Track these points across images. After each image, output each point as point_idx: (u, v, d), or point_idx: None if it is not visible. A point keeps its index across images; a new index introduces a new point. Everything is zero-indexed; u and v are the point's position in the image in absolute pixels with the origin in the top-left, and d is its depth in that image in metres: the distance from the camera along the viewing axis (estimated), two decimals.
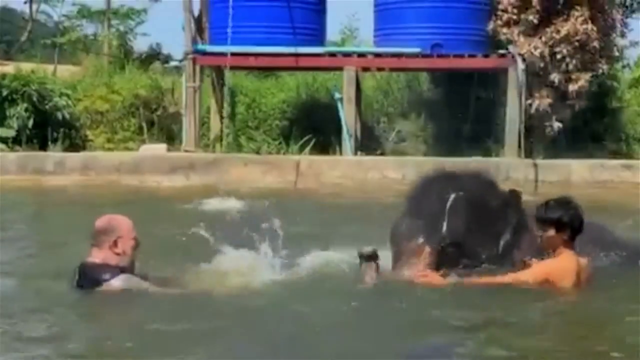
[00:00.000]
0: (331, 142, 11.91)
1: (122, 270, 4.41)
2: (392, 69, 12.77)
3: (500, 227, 4.97)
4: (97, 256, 4.45)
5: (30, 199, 9.27)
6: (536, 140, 11.77)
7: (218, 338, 3.85)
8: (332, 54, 12.12)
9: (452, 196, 4.98)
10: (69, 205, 8.82)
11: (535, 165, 10.56)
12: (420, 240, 4.86)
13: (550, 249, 4.79)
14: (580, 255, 4.81)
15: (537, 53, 11.21)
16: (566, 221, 4.71)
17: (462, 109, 12.76)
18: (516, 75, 11.32)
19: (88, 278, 4.40)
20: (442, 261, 4.83)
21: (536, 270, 4.74)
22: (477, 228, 4.88)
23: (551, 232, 4.73)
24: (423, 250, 4.83)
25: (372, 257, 4.77)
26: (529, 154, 11.39)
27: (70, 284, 4.46)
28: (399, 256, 4.93)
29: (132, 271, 4.48)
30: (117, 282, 4.36)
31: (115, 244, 4.42)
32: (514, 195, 5.14)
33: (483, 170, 5.43)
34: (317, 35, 12.25)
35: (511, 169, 10.49)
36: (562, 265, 4.74)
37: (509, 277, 4.72)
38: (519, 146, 11.25)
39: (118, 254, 4.42)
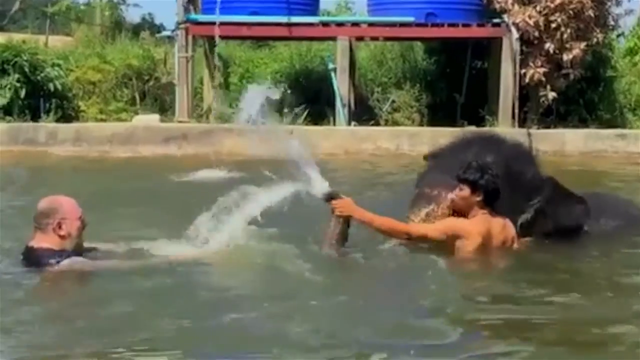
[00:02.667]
0: (325, 113, 11.85)
1: (68, 254, 4.25)
2: (386, 39, 12.70)
3: (525, 202, 5.03)
4: (41, 240, 4.29)
5: (22, 170, 9.21)
6: (530, 110, 11.73)
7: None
8: (326, 24, 12.03)
9: (489, 157, 5.05)
10: (59, 176, 8.77)
11: (529, 135, 10.54)
12: (443, 188, 4.96)
13: (464, 209, 4.90)
14: (498, 218, 4.90)
15: (531, 22, 11.14)
16: (481, 184, 4.81)
17: (456, 79, 12.71)
18: (510, 44, 11.26)
19: (32, 263, 4.26)
20: (459, 214, 4.93)
21: (440, 227, 4.84)
22: (504, 193, 4.92)
23: (466, 192, 4.85)
24: (442, 201, 4.95)
25: (334, 196, 4.78)
26: (522, 123, 11.36)
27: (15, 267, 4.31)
28: (417, 199, 5.03)
29: (80, 253, 4.33)
30: (64, 266, 4.21)
31: (59, 226, 4.26)
32: (552, 180, 5.18)
33: (527, 147, 5.50)
34: (311, 4, 12.15)
35: None
36: (468, 226, 4.84)
37: (414, 227, 4.85)
38: (513, 116, 11.22)
39: (63, 237, 4.26)
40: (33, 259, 4.26)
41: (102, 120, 12.15)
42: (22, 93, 11.57)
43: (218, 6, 11.20)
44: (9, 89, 11.50)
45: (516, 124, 11.16)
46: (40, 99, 11.74)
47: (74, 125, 11.30)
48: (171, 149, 10.46)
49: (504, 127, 11.08)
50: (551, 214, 5.05)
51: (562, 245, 5.03)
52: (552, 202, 5.06)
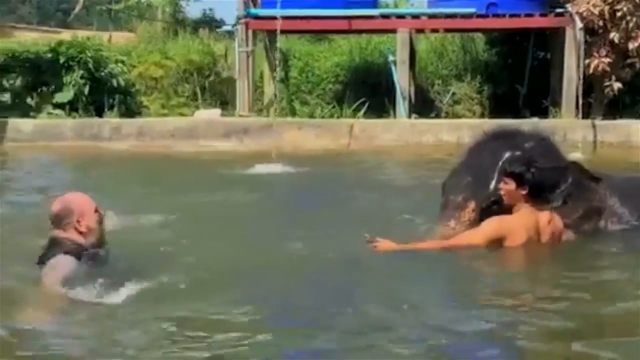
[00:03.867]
0: (385, 106, 11.81)
1: (87, 248, 4.20)
2: (447, 30, 12.60)
3: (551, 192, 4.95)
4: (63, 235, 4.25)
5: (88, 164, 9.39)
6: (595, 100, 11.52)
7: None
8: (386, 16, 11.98)
9: (506, 155, 4.96)
10: (125, 170, 8.92)
11: (594, 126, 10.36)
12: (466, 195, 4.95)
13: (510, 202, 4.83)
14: (544, 211, 4.83)
15: (596, 11, 10.92)
16: (527, 177, 4.76)
17: (518, 70, 12.54)
18: (574, 34, 11.06)
19: (53, 249, 4.21)
20: (485, 218, 4.87)
21: (484, 233, 4.78)
22: None
23: (511, 185, 4.78)
24: (467, 206, 4.94)
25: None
26: (587, 114, 11.16)
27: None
28: (443, 208, 5.04)
29: (101, 245, 4.31)
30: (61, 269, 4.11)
31: (78, 223, 4.23)
32: (574, 164, 5.13)
33: (545, 132, 5.36)
34: None
35: (569, 130, 10.30)
36: (513, 222, 4.79)
37: (459, 239, 4.79)
38: (577, 107, 11.02)
39: (83, 233, 4.24)
40: (56, 245, 4.22)
41: (164, 115, 12.29)
42: (87, 89, 11.77)
43: (281, 1, 11.22)
44: (74, 85, 11.71)
45: (580, 115, 10.96)
46: (104, 95, 11.93)
47: (137, 120, 11.45)
48: (232, 143, 10.52)
49: (568, 118, 10.92)
50: (578, 198, 4.99)
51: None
52: (578, 187, 5.00)
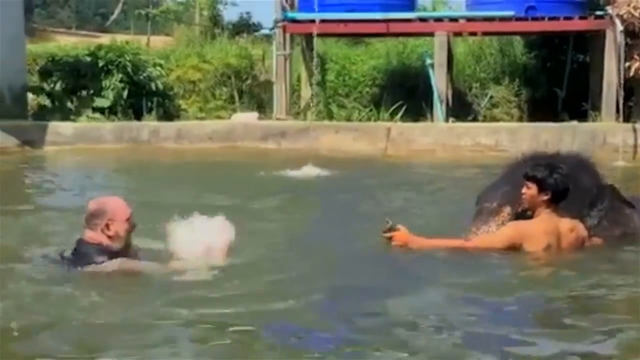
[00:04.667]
0: (422, 109, 11.78)
1: (116, 253, 4.27)
2: (485, 33, 12.53)
3: (585, 209, 4.95)
4: (90, 237, 4.31)
5: (128, 167, 9.49)
6: (636, 104, 11.40)
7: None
8: (423, 19, 11.95)
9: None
10: (164, 174, 8.99)
11: (635, 130, 10.23)
12: (502, 202, 4.98)
13: (531, 207, 4.83)
14: (566, 218, 4.82)
15: (636, 13, 10.81)
16: (550, 182, 4.75)
17: (557, 73, 12.44)
18: (614, 36, 10.94)
19: (81, 256, 4.28)
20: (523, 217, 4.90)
21: (503, 237, 4.78)
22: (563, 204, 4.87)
23: (533, 190, 4.78)
24: (502, 212, 4.94)
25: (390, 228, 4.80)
26: (627, 118, 11.03)
27: (62, 259, 4.35)
28: (479, 214, 5.05)
29: (127, 254, 4.34)
30: (111, 266, 4.23)
31: (107, 226, 4.27)
32: (611, 187, 5.09)
33: (586, 156, 5.35)
34: (408, 0, 12.08)
35: (609, 134, 10.20)
36: (532, 227, 4.79)
37: (477, 241, 4.83)
38: (617, 111, 10.89)
39: (111, 237, 4.28)
40: (83, 251, 4.30)
41: (201, 118, 12.36)
42: (125, 93, 11.88)
43: (317, 4, 11.24)
44: (113, 89, 11.83)
45: (620, 118, 10.84)
46: (142, 98, 12.03)
47: (175, 123, 11.54)
48: (270, 145, 10.56)
49: (608, 122, 10.81)
50: (613, 221, 4.97)
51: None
52: (614, 210, 4.98)
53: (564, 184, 4.77)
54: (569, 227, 4.83)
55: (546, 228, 4.76)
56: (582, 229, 4.87)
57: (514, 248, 4.76)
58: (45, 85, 12.32)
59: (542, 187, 4.75)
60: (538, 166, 4.82)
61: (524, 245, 4.76)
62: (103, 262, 4.25)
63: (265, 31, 13.33)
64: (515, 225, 4.81)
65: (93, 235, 4.30)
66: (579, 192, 4.89)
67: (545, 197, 4.76)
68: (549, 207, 4.79)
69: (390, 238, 4.77)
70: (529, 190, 4.79)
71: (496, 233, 4.83)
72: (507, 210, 4.94)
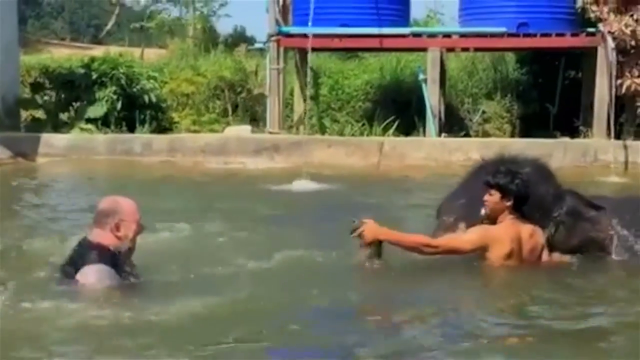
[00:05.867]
0: (415, 124, 11.82)
1: (117, 259, 4.25)
2: (477, 49, 12.59)
3: (541, 217, 4.93)
4: (98, 236, 4.29)
5: (120, 179, 9.49)
6: (626, 121, 11.45)
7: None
8: (417, 35, 12.00)
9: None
10: (156, 186, 8.99)
11: (626, 147, 10.29)
12: (457, 217, 5.00)
13: (494, 214, 4.87)
14: (527, 224, 4.86)
15: (628, 31, 10.88)
16: (511, 188, 4.80)
17: (549, 89, 12.50)
18: (606, 54, 11.02)
19: (80, 258, 4.26)
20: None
21: (470, 238, 4.81)
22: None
23: (496, 197, 4.83)
24: (457, 228, 4.97)
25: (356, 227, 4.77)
26: (618, 135, 11.09)
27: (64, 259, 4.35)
28: (436, 229, 5.07)
29: (129, 256, 4.35)
30: (91, 275, 4.18)
31: (117, 227, 4.27)
32: (571, 192, 5.05)
33: (543, 160, 5.31)
34: (402, 15, 12.12)
35: (600, 150, 10.26)
36: (499, 232, 4.82)
37: (444, 240, 4.85)
38: (608, 127, 10.95)
39: (119, 237, 4.27)
40: (82, 253, 4.27)
41: (195, 131, 12.37)
42: (119, 105, 11.89)
43: (311, 18, 11.29)
44: (106, 101, 11.84)
45: (612, 135, 10.90)
46: (135, 110, 12.04)
47: (168, 136, 11.54)
48: (262, 159, 10.57)
49: (599, 139, 10.86)
50: (573, 227, 4.93)
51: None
52: (573, 215, 4.94)
53: (525, 189, 4.83)
54: (529, 233, 4.88)
55: (511, 234, 4.82)
56: (540, 235, 4.90)
57: (479, 251, 4.80)
58: (38, 98, 12.32)
59: (504, 194, 4.81)
60: (499, 173, 4.86)
61: (489, 249, 4.79)
62: (91, 263, 4.19)
63: (259, 45, 13.35)
64: (483, 229, 4.86)
65: (100, 235, 4.28)
66: (534, 199, 4.89)
67: (508, 203, 4.82)
68: (512, 213, 4.85)
69: (360, 236, 4.74)
70: (492, 197, 4.84)
71: (464, 235, 4.86)
72: (462, 227, 4.95)
